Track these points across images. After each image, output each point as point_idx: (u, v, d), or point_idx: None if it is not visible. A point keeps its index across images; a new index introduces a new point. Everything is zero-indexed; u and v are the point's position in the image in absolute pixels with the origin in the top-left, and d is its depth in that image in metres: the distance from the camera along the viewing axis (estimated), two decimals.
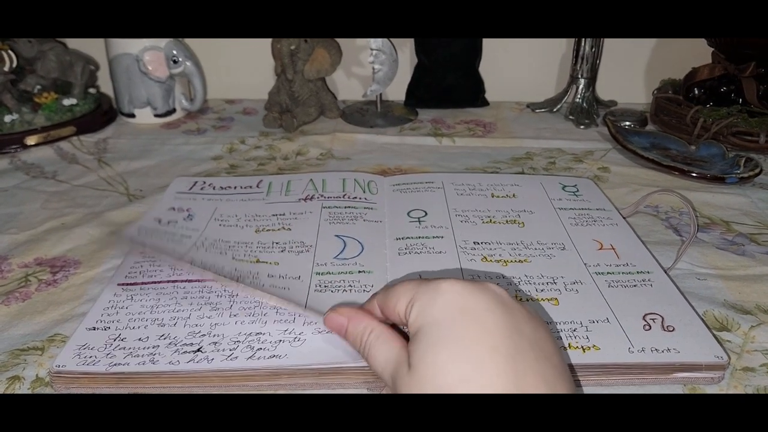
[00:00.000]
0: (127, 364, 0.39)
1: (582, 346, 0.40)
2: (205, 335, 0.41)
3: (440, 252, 0.50)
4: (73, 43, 0.84)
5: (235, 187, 0.62)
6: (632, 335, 0.41)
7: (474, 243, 0.51)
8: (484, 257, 0.49)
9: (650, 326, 0.42)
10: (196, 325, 0.42)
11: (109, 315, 0.43)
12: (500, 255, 0.49)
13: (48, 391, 0.39)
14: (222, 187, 0.62)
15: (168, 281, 0.47)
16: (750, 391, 0.39)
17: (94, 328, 0.42)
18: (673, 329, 0.41)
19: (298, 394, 0.38)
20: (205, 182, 0.63)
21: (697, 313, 0.43)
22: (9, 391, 0.39)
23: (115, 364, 0.39)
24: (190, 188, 0.62)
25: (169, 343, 0.40)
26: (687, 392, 0.38)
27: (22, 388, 0.39)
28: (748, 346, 0.43)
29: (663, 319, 0.42)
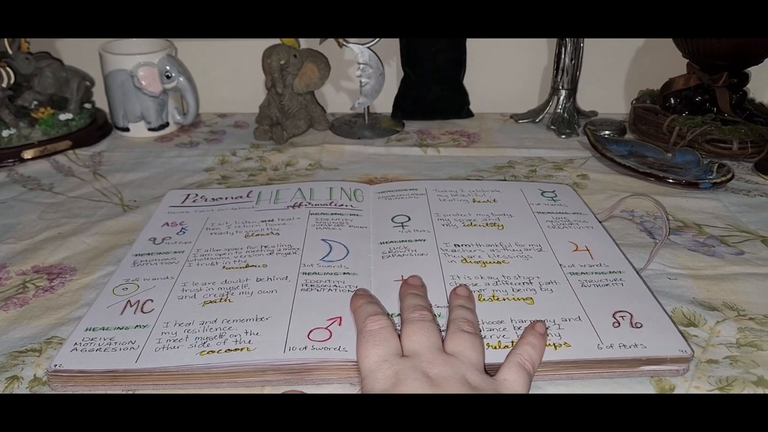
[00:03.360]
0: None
1: (554, 344, 0.42)
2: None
3: (422, 254, 0.52)
4: (69, 60, 0.87)
5: (226, 198, 0.64)
6: (602, 332, 0.43)
7: (455, 245, 0.53)
8: (464, 259, 0.51)
9: (619, 323, 0.44)
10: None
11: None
12: (479, 256, 0.51)
13: (45, 390, 0.41)
14: (214, 199, 0.64)
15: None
16: (713, 381, 0.41)
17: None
18: (641, 326, 0.44)
19: (289, 394, 0.40)
20: (197, 195, 0.65)
21: (664, 309, 0.46)
22: (8, 391, 0.41)
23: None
24: (183, 201, 0.64)
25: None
26: (654, 384, 0.41)
27: (21, 388, 0.41)
28: (714, 340, 0.45)
29: (632, 316, 0.45)
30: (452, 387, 0.36)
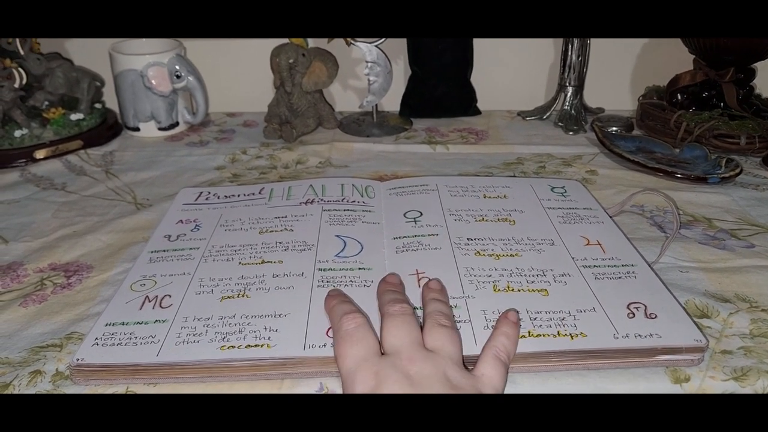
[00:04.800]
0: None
1: (570, 334, 0.42)
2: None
3: (436, 248, 0.52)
4: (79, 60, 0.87)
5: (239, 195, 0.65)
6: (617, 323, 0.43)
7: (468, 239, 0.54)
8: (477, 252, 0.52)
9: (634, 314, 0.44)
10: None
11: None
12: (492, 250, 0.52)
13: (68, 384, 0.41)
14: (226, 196, 0.65)
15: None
16: (728, 371, 0.41)
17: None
18: (656, 316, 0.44)
19: (304, 394, 0.40)
20: (210, 192, 0.66)
21: (678, 301, 0.46)
22: (31, 385, 0.41)
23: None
24: (196, 199, 0.64)
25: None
26: (669, 375, 0.41)
27: (44, 382, 0.41)
28: (727, 331, 0.45)
29: (646, 307, 0.45)
30: (433, 385, 0.36)
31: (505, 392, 0.39)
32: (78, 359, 0.41)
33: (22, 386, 0.41)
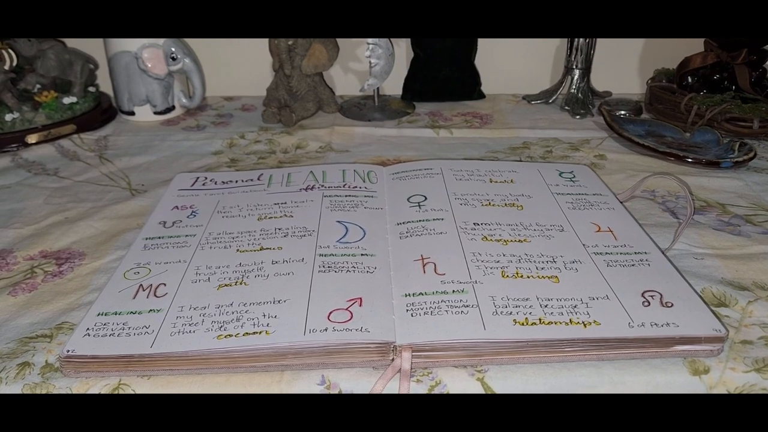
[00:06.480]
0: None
1: (583, 322, 0.40)
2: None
3: (441, 233, 0.50)
4: (72, 42, 0.85)
5: (237, 181, 0.63)
6: (632, 311, 0.42)
7: (474, 224, 0.52)
8: (485, 237, 0.50)
9: (649, 302, 0.42)
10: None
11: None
12: (500, 235, 0.50)
13: (58, 376, 0.39)
14: (224, 182, 0.63)
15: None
16: (749, 362, 0.39)
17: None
18: (672, 305, 0.42)
19: (302, 394, 0.38)
20: (206, 178, 0.64)
21: (694, 289, 0.44)
22: (19, 377, 0.39)
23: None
24: (193, 184, 0.62)
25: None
26: (687, 366, 0.39)
27: (32, 374, 0.40)
28: (746, 321, 0.43)
29: (661, 295, 0.43)
30: None
31: (518, 392, 0.37)
32: (68, 350, 0.39)
33: (9, 379, 0.39)
